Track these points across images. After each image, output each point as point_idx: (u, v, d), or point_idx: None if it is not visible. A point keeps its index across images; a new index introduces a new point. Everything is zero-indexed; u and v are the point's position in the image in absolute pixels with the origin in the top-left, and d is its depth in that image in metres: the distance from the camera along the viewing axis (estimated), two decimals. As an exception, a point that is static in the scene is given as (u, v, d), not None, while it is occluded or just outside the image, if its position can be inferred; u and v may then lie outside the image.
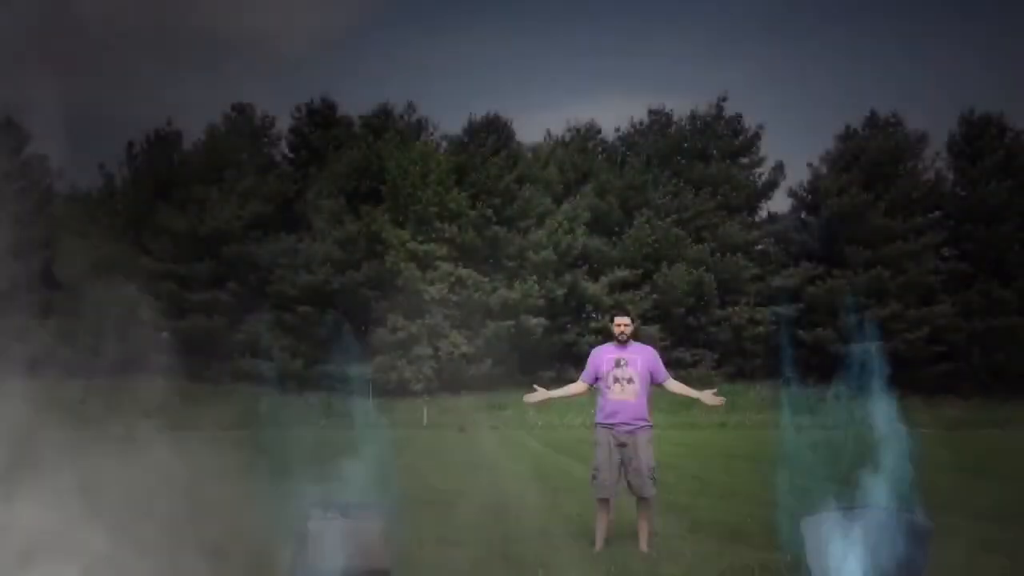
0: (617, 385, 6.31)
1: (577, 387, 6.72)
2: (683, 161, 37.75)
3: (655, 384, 6.49)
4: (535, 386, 6.92)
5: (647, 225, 34.19)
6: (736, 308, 34.08)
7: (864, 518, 1.18)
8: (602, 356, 6.47)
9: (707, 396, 6.60)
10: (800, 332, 34.21)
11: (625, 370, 6.33)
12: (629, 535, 6.53)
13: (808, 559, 1.21)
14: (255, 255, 33.43)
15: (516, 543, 6.43)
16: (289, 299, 32.35)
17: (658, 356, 6.63)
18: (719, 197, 36.17)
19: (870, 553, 1.20)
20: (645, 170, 36.65)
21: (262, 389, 31.35)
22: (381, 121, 37.55)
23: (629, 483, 6.31)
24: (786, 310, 33.91)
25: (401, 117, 38.28)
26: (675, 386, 6.65)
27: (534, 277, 32.13)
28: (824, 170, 37.58)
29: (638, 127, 40.14)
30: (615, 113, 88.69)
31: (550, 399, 6.76)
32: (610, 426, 6.32)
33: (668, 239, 34.13)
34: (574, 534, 6.85)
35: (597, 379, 6.47)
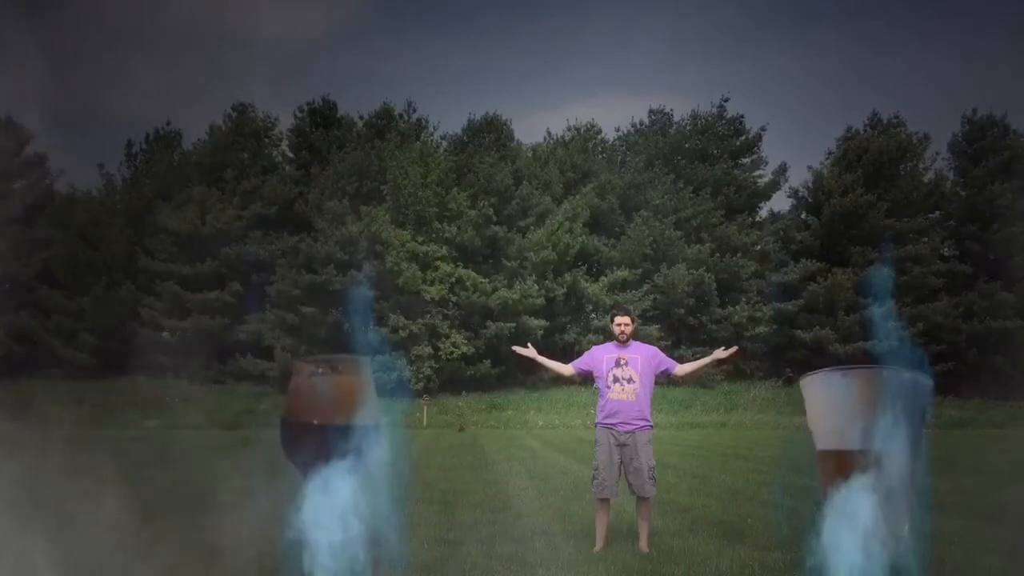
0: (617, 385, 6.32)
1: (564, 367, 6.77)
2: (683, 161, 37.76)
3: (667, 375, 6.50)
4: (528, 344, 7.01)
5: (644, 226, 34.18)
6: (736, 307, 34.09)
7: (864, 376, 1.18)
8: (602, 355, 6.48)
9: (719, 353, 6.54)
10: (800, 332, 34.26)
11: (625, 369, 6.34)
12: (629, 535, 6.54)
13: (808, 420, 1.21)
14: (257, 255, 33.45)
15: (516, 543, 6.43)
16: (291, 299, 32.36)
17: (660, 352, 6.65)
18: (720, 197, 36.17)
19: (871, 409, 1.20)
20: (645, 170, 36.64)
21: (263, 389, 31.42)
22: (383, 122, 37.59)
23: (629, 483, 6.32)
24: (786, 309, 33.97)
25: (401, 117, 38.32)
26: (686, 368, 6.61)
27: (534, 277, 32.10)
28: (826, 171, 37.61)
29: (639, 127, 40.26)
30: (616, 113, 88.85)
31: (536, 360, 6.74)
32: (610, 426, 6.33)
33: (667, 239, 34.12)
34: (574, 534, 6.85)
35: (594, 377, 6.47)
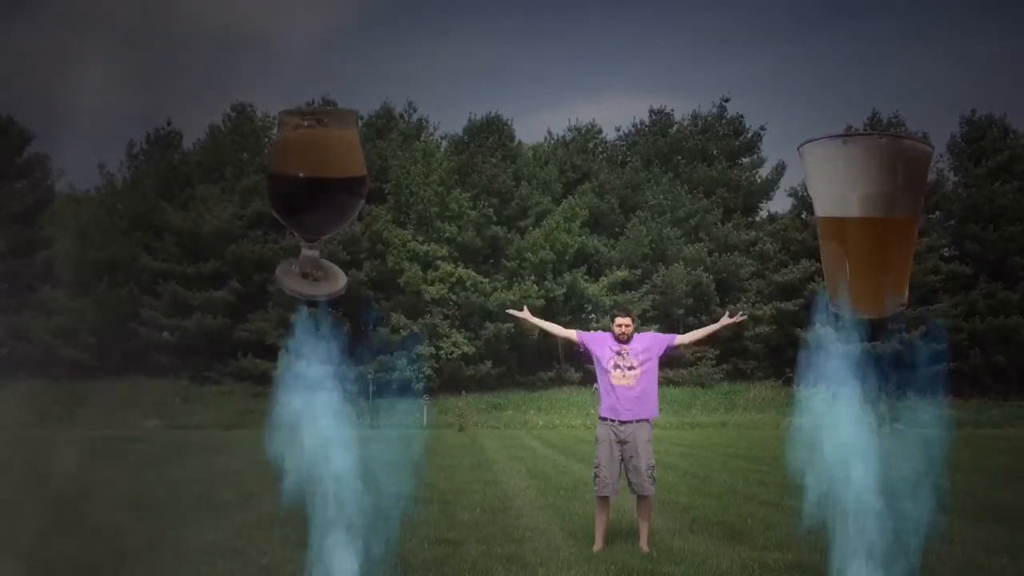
0: (618, 371, 6.35)
1: (567, 331, 6.83)
2: (683, 161, 37.74)
3: (671, 348, 6.51)
4: (525, 307, 7.05)
5: (642, 226, 34.17)
6: (736, 307, 34.06)
7: (863, 143, 1.17)
8: (605, 344, 6.48)
9: (724, 320, 6.61)
10: (800, 331, 34.24)
11: (627, 358, 6.37)
12: (629, 535, 6.54)
13: (808, 186, 1.21)
14: (257, 254, 33.45)
15: (516, 543, 6.43)
16: (292, 299, 32.27)
17: (656, 334, 6.78)
18: (718, 197, 36.14)
19: (870, 176, 1.19)
20: (643, 169, 36.63)
21: (264, 389, 31.40)
22: (383, 122, 37.58)
23: (629, 481, 6.33)
24: (787, 309, 33.94)
25: (402, 117, 38.31)
26: (689, 337, 6.66)
27: (533, 277, 32.09)
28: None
29: (639, 127, 40.23)
30: (616, 113, 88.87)
31: (530, 321, 6.76)
32: (611, 420, 6.32)
33: (665, 238, 34.10)
34: (574, 534, 6.85)
35: (595, 360, 6.47)
